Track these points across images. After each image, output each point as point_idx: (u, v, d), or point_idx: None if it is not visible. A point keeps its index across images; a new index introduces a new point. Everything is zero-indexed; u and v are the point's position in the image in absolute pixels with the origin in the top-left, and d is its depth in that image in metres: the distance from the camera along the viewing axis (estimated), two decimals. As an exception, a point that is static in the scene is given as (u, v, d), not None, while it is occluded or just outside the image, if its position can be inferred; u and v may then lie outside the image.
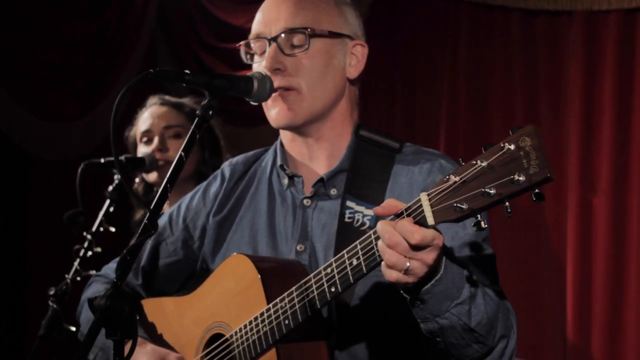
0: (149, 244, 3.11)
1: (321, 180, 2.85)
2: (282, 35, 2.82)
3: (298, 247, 2.81)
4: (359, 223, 2.69)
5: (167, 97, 4.41)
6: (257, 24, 2.89)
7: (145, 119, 4.39)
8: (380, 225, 2.32)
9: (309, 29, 2.80)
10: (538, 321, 5.74)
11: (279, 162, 2.95)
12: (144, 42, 6.27)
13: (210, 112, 2.63)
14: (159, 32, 6.45)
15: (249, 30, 3.01)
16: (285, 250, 2.84)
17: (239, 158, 3.13)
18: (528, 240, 5.84)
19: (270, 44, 2.83)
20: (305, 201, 2.86)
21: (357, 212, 2.72)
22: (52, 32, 5.97)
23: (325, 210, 2.82)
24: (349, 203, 2.76)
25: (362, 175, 2.69)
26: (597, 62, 5.68)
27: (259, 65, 2.84)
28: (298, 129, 2.88)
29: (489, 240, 2.76)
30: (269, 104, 2.85)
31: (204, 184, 3.13)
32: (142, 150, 4.33)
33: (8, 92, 5.76)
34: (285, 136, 2.95)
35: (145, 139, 4.34)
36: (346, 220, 2.71)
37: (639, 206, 5.51)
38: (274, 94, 2.80)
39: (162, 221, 3.12)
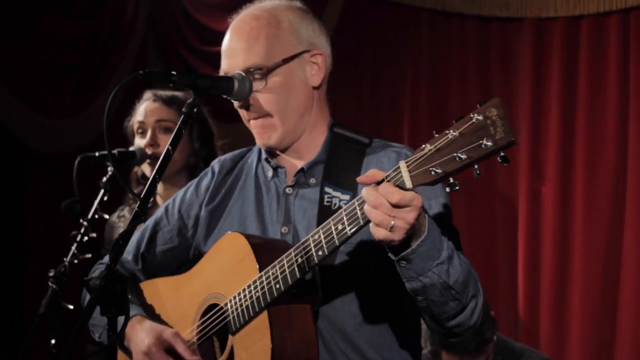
0: (148, 232, 3.12)
1: (302, 170, 2.86)
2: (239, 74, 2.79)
3: (282, 230, 2.82)
4: (336, 206, 2.71)
5: (160, 93, 4.39)
6: (222, 60, 2.88)
7: (140, 112, 4.40)
8: (365, 190, 2.37)
9: (262, 68, 2.78)
10: (492, 297, 5.77)
11: (263, 156, 2.95)
12: (135, 44, 6.25)
13: (195, 110, 2.64)
14: (148, 36, 6.43)
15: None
16: (272, 233, 2.85)
17: (227, 155, 3.13)
18: (483, 224, 5.87)
19: None
20: (287, 189, 2.87)
21: (334, 197, 2.75)
22: (49, 34, 5.93)
23: (306, 197, 2.83)
24: (327, 189, 2.77)
25: (337, 165, 2.72)
26: (544, 64, 5.71)
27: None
28: (278, 146, 2.87)
29: (451, 219, 2.81)
30: (250, 128, 2.86)
31: (197, 179, 3.13)
32: (137, 140, 4.34)
33: (8, 89, 5.72)
34: None
35: (140, 130, 4.35)
36: (325, 204, 2.73)
37: (582, 193, 5.54)
38: (251, 122, 2.83)
39: (160, 212, 3.14)
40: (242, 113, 2.84)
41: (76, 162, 3.84)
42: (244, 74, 2.76)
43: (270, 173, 2.92)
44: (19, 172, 6.12)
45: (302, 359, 2.65)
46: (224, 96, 2.79)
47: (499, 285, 5.77)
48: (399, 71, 6.20)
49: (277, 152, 2.90)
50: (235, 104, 2.82)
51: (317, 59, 2.86)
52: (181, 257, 3.07)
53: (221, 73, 2.84)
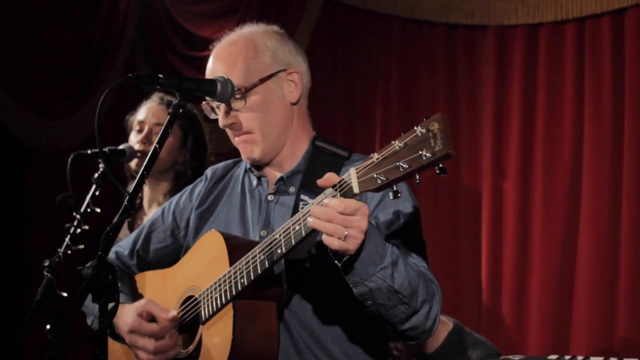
0: (144, 231, 3.17)
1: (281, 179, 2.90)
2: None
3: (261, 233, 2.86)
4: None
5: (167, 97, 4.38)
6: None
7: (143, 111, 4.40)
8: (314, 208, 2.39)
9: (241, 89, 2.82)
10: (457, 286, 5.79)
11: (248, 166, 3.01)
12: (125, 50, 6.25)
13: (181, 110, 2.65)
14: (137, 42, 6.42)
15: (213, 41, 3.02)
16: (252, 236, 2.88)
17: (220, 164, 3.18)
18: (449, 218, 5.87)
19: (217, 106, 2.88)
20: (269, 197, 2.92)
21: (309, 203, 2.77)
22: (46, 40, 5.93)
23: (285, 204, 2.87)
24: (303, 197, 2.81)
25: (315, 176, 2.74)
26: (506, 68, 5.72)
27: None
28: (262, 161, 2.92)
29: (421, 230, 2.82)
30: (236, 144, 2.91)
31: (192, 185, 3.18)
32: (132, 136, 4.33)
33: (8, 91, 5.71)
34: None
35: (138, 127, 4.35)
36: (299, 210, 2.74)
37: (541, 189, 5.56)
38: (236, 139, 2.89)
39: (157, 214, 3.19)
40: (228, 132, 2.89)
41: (70, 160, 3.84)
42: (226, 77, 2.77)
43: (255, 182, 2.97)
44: (17, 168, 6.10)
45: (262, 352, 2.67)
46: (208, 98, 2.81)
47: (463, 276, 5.79)
48: (371, 75, 6.20)
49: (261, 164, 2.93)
50: (220, 123, 2.85)
51: (294, 76, 2.91)
52: (173, 256, 3.11)
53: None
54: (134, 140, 4.32)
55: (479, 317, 5.66)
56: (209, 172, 3.15)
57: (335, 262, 2.47)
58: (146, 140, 4.27)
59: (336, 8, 6.25)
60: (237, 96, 2.82)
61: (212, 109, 2.93)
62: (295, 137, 2.93)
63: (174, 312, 2.87)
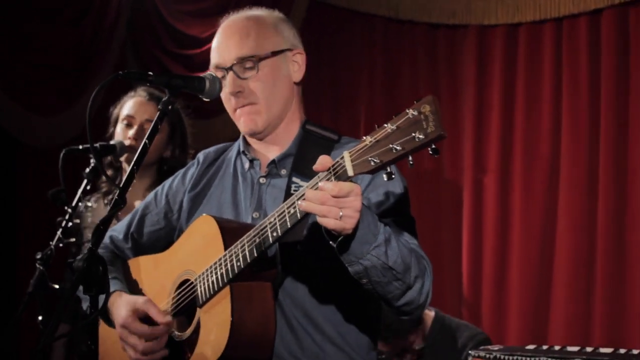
0: (137, 215, 3.16)
1: (273, 162, 2.90)
2: (235, 64, 2.85)
3: (254, 215, 2.85)
4: None
5: (156, 93, 4.36)
6: (214, 56, 2.93)
7: (131, 106, 4.35)
8: (308, 192, 2.39)
9: (255, 56, 2.85)
10: (439, 277, 5.79)
11: (241, 149, 3.00)
12: (116, 48, 6.24)
13: (170, 107, 2.65)
14: (128, 40, 6.41)
15: (202, 39, 3.02)
16: (244, 218, 2.88)
17: (212, 148, 3.17)
18: (431, 210, 5.89)
19: (227, 72, 2.86)
20: (261, 179, 2.91)
21: (301, 186, 2.75)
22: (39, 39, 5.91)
23: (277, 187, 2.87)
24: (295, 179, 2.80)
25: (306, 158, 2.75)
26: (487, 67, 5.73)
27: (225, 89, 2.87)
28: (262, 132, 2.92)
29: (409, 208, 2.83)
30: (237, 117, 2.90)
31: (184, 168, 3.17)
32: (120, 129, 4.30)
33: (1, 88, 5.70)
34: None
35: (126, 122, 4.31)
36: (292, 192, 2.74)
37: (520, 183, 5.58)
38: (238, 109, 2.87)
39: (150, 197, 3.18)
40: (231, 102, 2.87)
41: (61, 155, 3.82)
42: (214, 74, 2.79)
43: (247, 165, 2.97)
44: (10, 163, 6.08)
45: (259, 332, 2.67)
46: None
47: (445, 266, 5.80)
48: (355, 73, 6.21)
49: (252, 143, 2.95)
50: (226, 92, 2.85)
51: (298, 57, 2.97)
52: (167, 238, 3.09)
53: (211, 67, 2.89)
54: (122, 134, 4.29)
55: (459, 307, 5.68)
56: (201, 155, 3.14)
57: (330, 242, 2.47)
58: (138, 137, 4.25)
59: (321, 7, 6.25)
60: (248, 65, 2.85)
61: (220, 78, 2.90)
62: (292, 116, 2.95)
63: (169, 318, 2.84)
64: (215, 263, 2.71)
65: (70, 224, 3.73)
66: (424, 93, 5.81)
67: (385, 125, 2.27)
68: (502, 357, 3.43)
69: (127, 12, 6.31)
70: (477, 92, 5.74)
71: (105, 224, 2.52)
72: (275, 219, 2.54)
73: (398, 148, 2.24)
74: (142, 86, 4.41)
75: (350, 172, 2.34)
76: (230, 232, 2.73)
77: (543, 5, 5.50)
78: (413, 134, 2.22)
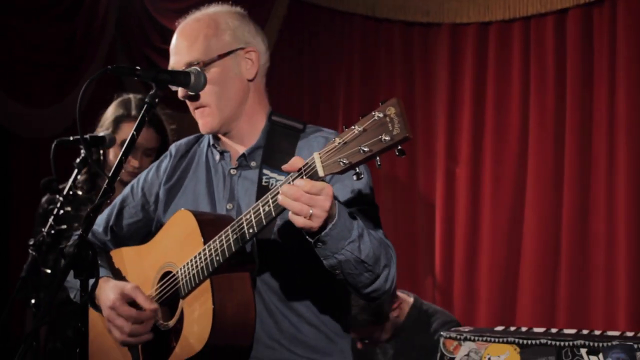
0: (116, 208, 3.13)
1: (243, 155, 2.88)
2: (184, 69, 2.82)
3: (228, 206, 2.84)
4: (273, 186, 2.70)
5: (152, 116, 4.31)
6: (170, 59, 2.90)
7: (128, 132, 4.29)
8: (284, 187, 2.39)
9: (200, 62, 2.79)
10: (413, 264, 5.82)
11: (211, 142, 2.97)
12: (105, 44, 6.22)
13: (156, 100, 2.64)
14: (117, 36, 6.38)
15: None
16: (219, 208, 2.87)
17: (183, 140, 3.13)
18: (406, 200, 5.91)
19: None
20: (232, 171, 2.89)
21: (271, 177, 2.76)
22: (32, 35, 5.89)
23: (248, 178, 2.85)
24: (265, 171, 2.78)
25: (274, 150, 2.73)
26: (459, 63, 5.75)
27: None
28: (219, 131, 2.89)
29: (373, 196, 2.82)
30: (195, 118, 2.87)
31: (158, 161, 3.14)
32: (112, 155, 4.24)
33: (-4, 83, 5.69)
34: None
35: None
36: (263, 184, 2.74)
37: (490, 175, 5.60)
38: (195, 111, 2.84)
39: (126, 191, 3.14)
40: (188, 104, 2.85)
41: (53, 146, 3.81)
42: (199, 69, 2.76)
43: (217, 157, 2.94)
44: (4, 154, 6.05)
45: (240, 320, 2.67)
46: (182, 88, 2.80)
47: (419, 253, 5.82)
48: (334, 69, 6.21)
49: (221, 137, 2.92)
50: (180, 95, 2.82)
51: (251, 55, 2.88)
52: (145, 229, 3.08)
53: (169, 68, 2.84)
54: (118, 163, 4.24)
55: (433, 292, 5.70)
56: (172, 148, 3.10)
57: (307, 237, 2.47)
58: (140, 167, 4.20)
59: (302, 6, 6.24)
60: (196, 68, 2.79)
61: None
62: (252, 112, 2.89)
63: (155, 305, 2.84)
64: (196, 257, 2.70)
65: (61, 212, 3.72)
66: (400, 88, 5.88)
67: (353, 127, 2.26)
68: (472, 337, 3.44)
69: (116, 10, 6.29)
70: (449, 87, 5.75)
71: (95, 211, 2.52)
72: (251, 215, 2.54)
73: (366, 149, 2.23)
74: (136, 109, 4.36)
75: (321, 173, 2.33)
76: (208, 224, 2.72)
77: (512, 5, 5.52)
78: (379, 136, 2.21)
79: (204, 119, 2.84)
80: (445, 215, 5.70)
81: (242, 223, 2.57)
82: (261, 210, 2.50)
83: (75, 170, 3.73)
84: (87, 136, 3.98)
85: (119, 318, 2.83)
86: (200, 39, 2.83)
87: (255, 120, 2.90)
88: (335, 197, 2.45)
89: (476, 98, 5.65)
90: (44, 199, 4.37)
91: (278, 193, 2.42)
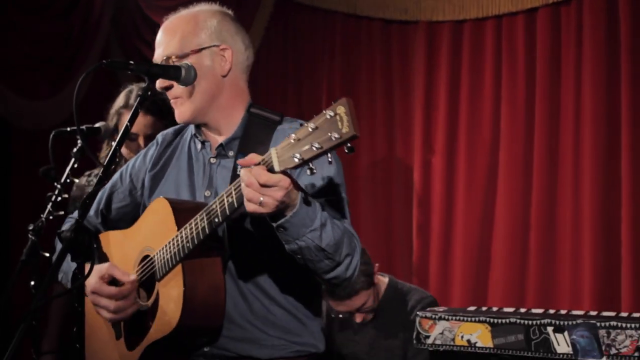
0: (106, 193, 3.15)
1: (221, 145, 2.89)
2: (162, 62, 2.84)
3: (206, 193, 2.85)
4: None
5: (152, 104, 4.29)
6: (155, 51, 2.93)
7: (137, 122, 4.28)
8: (242, 171, 2.40)
9: (173, 56, 2.81)
10: (391, 247, 5.83)
11: (193, 132, 2.98)
12: (101, 39, 6.18)
13: (149, 93, 2.64)
14: (112, 32, 6.35)
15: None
16: (199, 195, 2.87)
17: (169, 130, 3.14)
18: (384, 188, 5.91)
19: None
20: (211, 160, 2.90)
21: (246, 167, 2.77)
22: (31, 32, 5.85)
23: (226, 167, 2.86)
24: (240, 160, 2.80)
25: (251, 140, 2.74)
26: (435, 59, 5.75)
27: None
28: (193, 121, 2.90)
29: (344, 188, 2.82)
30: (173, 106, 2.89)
31: (145, 149, 3.15)
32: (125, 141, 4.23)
33: (-3, 77, 5.66)
34: None
35: (132, 136, 4.27)
36: (238, 172, 2.69)
37: (464, 164, 5.61)
38: (172, 101, 2.86)
39: (116, 177, 3.16)
40: (167, 94, 2.86)
41: (51, 136, 3.79)
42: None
43: (199, 146, 2.95)
44: (4, 145, 6.02)
45: (211, 302, 2.69)
46: (161, 79, 2.78)
47: (397, 237, 5.83)
48: (317, 65, 6.20)
49: (201, 128, 2.93)
50: (157, 86, 2.81)
51: (225, 52, 2.87)
52: (133, 213, 3.08)
53: (153, 61, 2.86)
54: (126, 148, 4.24)
55: (410, 275, 5.71)
56: (159, 137, 3.12)
57: (271, 223, 2.49)
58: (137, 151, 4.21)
59: (287, 4, 6.23)
60: (172, 61, 2.82)
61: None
62: (227, 105, 2.88)
63: (133, 276, 2.86)
64: (170, 242, 2.72)
65: (59, 198, 3.70)
66: (379, 82, 5.88)
67: (307, 124, 2.26)
68: (446, 317, 3.46)
69: (111, 8, 6.26)
70: (426, 81, 5.76)
71: (91, 198, 2.52)
72: (216, 205, 2.55)
73: (317, 146, 2.23)
74: (134, 99, 4.34)
75: (277, 168, 2.33)
76: (182, 212, 2.74)
77: (485, 4, 5.52)
78: (329, 134, 2.21)
79: (178, 109, 2.86)
80: (422, 202, 5.71)
81: (210, 212, 2.58)
82: (225, 200, 2.52)
83: (72, 159, 3.72)
84: (83, 127, 3.96)
85: (102, 299, 2.85)
86: (178, 34, 2.85)
87: (232, 112, 2.90)
88: (301, 188, 2.47)
89: (451, 91, 5.66)
90: (82, 180, 4.36)
91: (239, 184, 2.43)
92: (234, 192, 2.48)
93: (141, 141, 4.30)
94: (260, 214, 2.41)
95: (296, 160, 2.27)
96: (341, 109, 2.20)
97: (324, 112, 2.23)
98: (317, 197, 2.68)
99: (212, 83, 2.86)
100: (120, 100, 4.39)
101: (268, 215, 2.44)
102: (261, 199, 2.35)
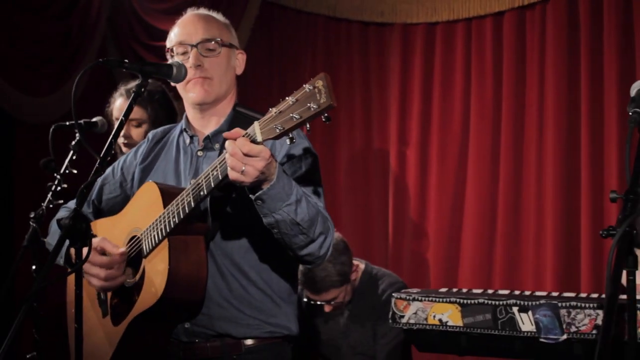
0: (98, 184, 3.15)
1: (208, 137, 2.90)
2: (201, 43, 2.85)
3: (192, 182, 2.81)
4: None
5: (128, 89, 4.27)
6: (179, 34, 2.90)
7: (117, 108, 4.29)
8: (227, 142, 2.42)
9: (219, 40, 2.86)
10: (368, 232, 5.83)
11: (183, 127, 3.00)
12: (98, 39, 6.13)
13: (142, 89, 2.63)
14: (108, 33, 6.30)
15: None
16: (184, 184, 2.87)
17: (159, 129, 3.16)
18: (362, 178, 5.91)
19: (192, 49, 2.84)
20: (198, 152, 2.91)
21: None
22: (31, 32, 5.79)
23: (211, 158, 2.86)
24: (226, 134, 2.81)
25: None
26: (409, 59, 5.75)
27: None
28: (206, 105, 2.90)
29: (320, 179, 2.82)
30: (189, 87, 2.87)
31: (137, 146, 3.16)
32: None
33: (0, 74, 5.59)
34: (189, 111, 2.99)
35: (116, 121, 4.26)
36: None
37: (436, 155, 5.63)
38: (194, 79, 2.84)
39: (108, 170, 3.16)
40: (192, 71, 2.83)
41: (51, 130, 3.77)
42: (180, 62, 2.76)
43: (187, 140, 2.95)
44: (8, 138, 5.98)
45: (193, 277, 2.68)
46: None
47: (374, 224, 5.83)
48: (300, 64, 6.18)
49: (197, 116, 2.93)
50: (191, 61, 2.82)
51: (240, 57, 2.95)
52: (122, 204, 3.08)
53: (173, 44, 2.87)
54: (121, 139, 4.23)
55: (386, 258, 5.72)
56: (150, 135, 3.14)
57: (250, 195, 2.49)
58: (127, 135, 4.20)
59: (272, 7, 6.21)
60: (211, 47, 2.84)
61: (171, 56, 2.90)
62: (228, 100, 2.93)
63: (123, 249, 2.86)
64: (156, 220, 2.72)
65: (59, 188, 3.68)
66: (357, 80, 5.88)
67: (287, 98, 2.30)
68: (419, 298, 3.47)
69: (108, 9, 6.22)
70: (401, 79, 5.76)
71: (88, 187, 2.50)
72: (202, 180, 2.56)
73: (297, 117, 2.26)
74: (123, 85, 4.33)
75: (259, 138, 2.36)
76: (169, 194, 2.74)
77: (456, 7, 5.52)
78: (308, 105, 2.24)
79: (203, 87, 2.85)
80: (397, 190, 5.71)
81: (195, 187, 2.58)
82: (210, 174, 2.52)
83: (71, 152, 3.70)
84: (81, 121, 3.94)
85: (94, 267, 2.84)
86: (215, 24, 2.90)
87: (225, 108, 2.93)
88: (279, 165, 2.49)
89: (424, 88, 5.66)
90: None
91: (223, 158, 2.45)
92: (218, 166, 2.49)
93: (127, 128, 4.27)
94: (242, 182, 2.41)
95: (277, 130, 2.30)
96: (319, 83, 2.24)
97: (303, 86, 2.26)
98: (299, 182, 2.68)
99: (232, 78, 2.93)
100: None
101: (248, 186, 2.45)
102: (243, 167, 2.37)
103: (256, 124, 2.37)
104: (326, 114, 2.25)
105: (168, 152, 3.01)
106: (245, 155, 2.36)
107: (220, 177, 2.49)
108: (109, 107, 4.35)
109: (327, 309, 4.67)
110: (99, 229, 3.07)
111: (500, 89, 5.39)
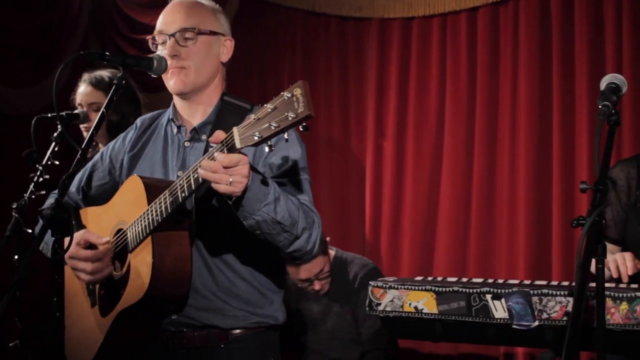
0: (87, 171, 3.12)
1: (195, 129, 2.86)
2: (178, 32, 2.80)
3: (178, 173, 2.82)
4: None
5: (91, 76, 4.25)
6: (160, 23, 2.87)
7: (79, 94, 4.27)
8: (204, 162, 2.38)
9: (196, 29, 2.80)
10: (346, 222, 5.84)
11: (170, 116, 2.95)
12: (80, 32, 6.08)
13: (123, 82, 2.61)
14: (90, 26, 6.25)
15: (152, 26, 2.96)
16: (172, 176, 2.85)
17: (147, 115, 3.12)
18: (341, 169, 5.91)
19: (169, 38, 2.80)
20: (185, 143, 2.88)
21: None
22: (13, 25, 5.74)
23: (198, 149, 2.83)
24: (212, 144, 2.77)
25: (223, 125, 2.71)
26: (386, 53, 5.75)
27: (162, 52, 2.82)
28: (186, 95, 2.87)
29: (307, 171, 2.80)
30: (168, 77, 2.83)
31: (125, 132, 3.12)
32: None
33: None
34: (176, 100, 2.95)
35: (79, 107, 4.24)
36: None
37: (412, 148, 5.64)
38: (171, 70, 2.80)
39: (97, 157, 3.13)
40: (170, 61, 2.79)
41: (33, 122, 3.73)
42: (160, 55, 2.74)
43: (175, 130, 2.91)
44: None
45: (178, 272, 2.67)
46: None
47: (351, 214, 5.84)
48: (280, 57, 6.16)
49: (182, 105, 2.89)
50: (169, 51, 2.78)
51: (227, 43, 2.90)
52: (111, 191, 3.05)
53: (155, 33, 2.83)
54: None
55: (363, 247, 5.72)
56: (138, 121, 3.09)
57: (228, 201, 2.47)
58: (88, 119, 4.18)
59: (252, 2, 6.18)
60: (188, 36, 2.79)
61: (154, 44, 2.87)
62: (213, 89, 2.89)
63: (107, 238, 2.84)
64: (141, 216, 2.70)
65: (41, 179, 3.65)
66: (335, 74, 5.87)
67: (266, 105, 2.24)
68: (395, 286, 3.47)
69: (90, 2, 6.18)
70: (378, 73, 5.75)
71: (69, 178, 2.49)
72: (183, 181, 2.53)
73: (275, 125, 2.21)
74: (87, 73, 4.31)
75: (238, 145, 2.32)
76: (153, 189, 2.72)
77: (432, 3, 5.53)
78: (286, 113, 2.18)
79: (179, 77, 2.81)
80: (374, 182, 5.72)
81: (176, 188, 2.56)
82: (191, 176, 2.50)
83: (53, 143, 3.66)
84: (63, 113, 3.92)
85: (80, 262, 2.83)
86: (197, 13, 2.83)
87: (212, 97, 2.89)
88: (253, 167, 2.45)
89: (401, 82, 5.66)
90: None
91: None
92: (199, 169, 2.45)
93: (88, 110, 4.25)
94: (232, 193, 2.38)
95: (256, 138, 2.25)
96: (297, 91, 2.18)
97: (282, 93, 2.21)
98: (282, 177, 2.67)
99: (214, 66, 2.86)
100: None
101: (235, 195, 2.41)
102: (231, 179, 2.34)
103: (235, 130, 2.33)
104: (304, 124, 2.20)
105: (156, 141, 2.97)
106: (227, 167, 2.34)
107: (200, 180, 2.46)
108: (73, 95, 4.34)
109: (317, 285, 4.68)
110: (89, 216, 3.06)
111: (475, 83, 5.40)
